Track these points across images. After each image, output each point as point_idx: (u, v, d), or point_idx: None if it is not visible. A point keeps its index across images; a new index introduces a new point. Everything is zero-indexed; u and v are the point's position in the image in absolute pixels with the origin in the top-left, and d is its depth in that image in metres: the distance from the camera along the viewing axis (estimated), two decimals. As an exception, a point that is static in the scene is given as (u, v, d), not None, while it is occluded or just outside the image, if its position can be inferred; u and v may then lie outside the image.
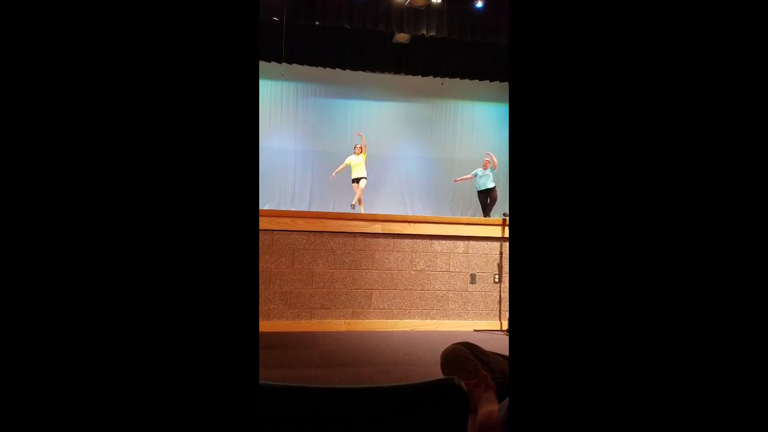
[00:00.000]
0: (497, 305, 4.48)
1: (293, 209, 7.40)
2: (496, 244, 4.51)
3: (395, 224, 4.38)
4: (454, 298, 4.43)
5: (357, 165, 7.07)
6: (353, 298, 4.26)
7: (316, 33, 7.46)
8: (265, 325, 3.99)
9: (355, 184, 7.12)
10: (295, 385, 0.74)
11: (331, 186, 7.84)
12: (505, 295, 4.47)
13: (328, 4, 6.61)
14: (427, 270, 4.40)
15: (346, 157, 7.33)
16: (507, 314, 4.36)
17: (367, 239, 4.31)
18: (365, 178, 7.07)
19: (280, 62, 7.57)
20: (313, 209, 8.19)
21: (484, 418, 1.29)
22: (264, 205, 7.97)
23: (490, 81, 8.49)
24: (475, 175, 7.33)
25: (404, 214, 7.90)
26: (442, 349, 1.92)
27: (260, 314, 4.01)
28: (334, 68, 8.05)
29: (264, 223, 4.10)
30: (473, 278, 4.46)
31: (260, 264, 4.04)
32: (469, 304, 4.46)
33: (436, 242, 4.42)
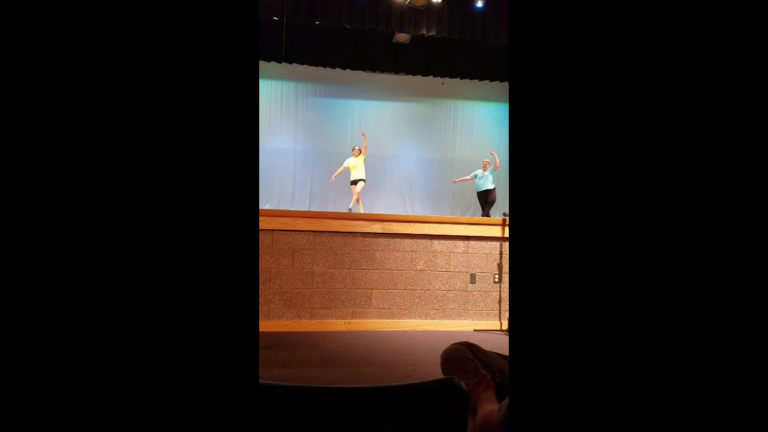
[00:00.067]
0: (497, 305, 4.48)
1: (293, 209, 7.40)
2: (496, 244, 4.51)
3: (395, 224, 4.38)
4: (454, 297, 4.43)
5: (355, 167, 7.06)
6: (353, 298, 4.26)
7: (316, 33, 7.45)
8: (265, 325, 3.99)
9: (353, 186, 7.12)
10: (295, 385, 0.74)
11: (331, 186, 7.84)
12: (505, 295, 4.47)
13: (328, 4, 6.60)
14: (427, 270, 4.40)
15: (346, 157, 7.33)
16: (507, 314, 4.36)
17: (367, 239, 4.31)
18: (363, 180, 7.06)
19: (280, 62, 7.57)
20: (313, 209, 8.19)
21: (484, 417, 1.29)
22: (264, 205, 7.97)
23: (490, 81, 8.48)
24: (475, 176, 7.33)
25: (404, 213, 7.90)
26: (442, 349, 1.92)
27: (260, 314, 4.01)
28: (334, 68, 8.05)
29: (264, 223, 4.10)
30: (473, 278, 4.46)
31: (260, 264, 4.04)
32: (469, 304, 4.46)
33: (436, 242, 4.42)
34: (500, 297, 4.48)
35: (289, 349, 3.45)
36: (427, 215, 6.68)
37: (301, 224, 4.22)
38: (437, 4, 6.81)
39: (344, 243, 4.27)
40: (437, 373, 1.82)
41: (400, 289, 4.34)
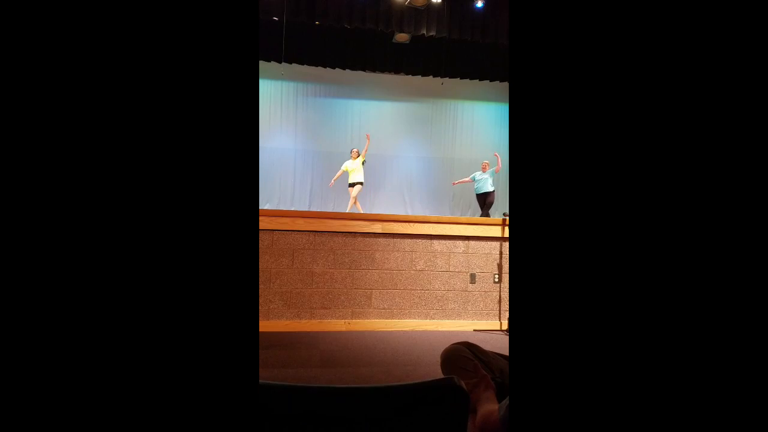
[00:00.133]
0: (497, 305, 4.48)
1: (293, 209, 7.40)
2: (496, 244, 4.51)
3: (395, 224, 4.38)
4: (454, 297, 4.43)
5: (353, 170, 7.05)
6: (353, 298, 4.26)
7: (316, 33, 7.45)
8: (265, 325, 3.99)
9: (351, 188, 7.11)
10: (295, 385, 0.74)
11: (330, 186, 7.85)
12: (505, 295, 4.47)
13: (328, 4, 6.60)
14: (427, 270, 4.40)
15: (346, 157, 7.33)
16: (507, 314, 4.36)
17: (367, 239, 4.31)
18: (361, 183, 7.04)
19: (280, 62, 7.56)
20: (313, 209, 8.19)
21: (483, 417, 1.29)
22: (264, 205, 7.97)
23: (490, 81, 8.49)
24: (473, 178, 7.32)
25: (404, 213, 7.90)
26: (442, 349, 1.92)
27: (260, 314, 4.01)
28: (334, 68, 8.04)
29: (264, 223, 4.10)
30: (473, 278, 4.46)
31: (260, 264, 4.04)
32: (469, 304, 4.46)
33: (436, 242, 4.42)
34: (500, 297, 4.48)
35: (289, 349, 3.45)
36: (427, 215, 6.68)
37: (301, 224, 4.21)
38: (437, 4, 6.81)
39: (344, 243, 4.27)
40: (437, 373, 1.82)
41: (400, 289, 4.34)
